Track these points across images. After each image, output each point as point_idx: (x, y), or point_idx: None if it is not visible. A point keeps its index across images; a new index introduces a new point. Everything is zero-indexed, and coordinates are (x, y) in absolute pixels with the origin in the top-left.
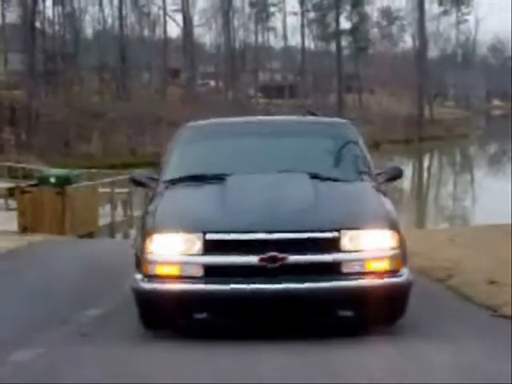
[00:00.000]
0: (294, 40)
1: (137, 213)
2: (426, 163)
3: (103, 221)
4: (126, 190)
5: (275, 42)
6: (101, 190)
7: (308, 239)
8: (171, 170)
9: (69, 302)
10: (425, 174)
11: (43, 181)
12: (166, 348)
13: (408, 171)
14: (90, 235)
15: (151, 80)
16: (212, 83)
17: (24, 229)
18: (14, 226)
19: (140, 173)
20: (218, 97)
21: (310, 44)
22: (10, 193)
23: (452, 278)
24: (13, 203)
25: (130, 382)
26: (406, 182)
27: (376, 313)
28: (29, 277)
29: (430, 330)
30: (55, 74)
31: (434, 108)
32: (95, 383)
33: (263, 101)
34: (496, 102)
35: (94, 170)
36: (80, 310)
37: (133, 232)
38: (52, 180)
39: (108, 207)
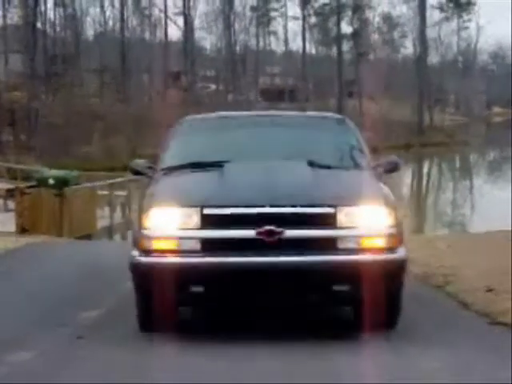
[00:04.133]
0: (295, 44)
1: (135, 215)
2: (425, 169)
3: (101, 223)
4: (124, 192)
5: (276, 47)
6: (99, 192)
7: (305, 214)
8: (169, 159)
9: (64, 304)
10: (424, 180)
11: (42, 182)
12: (164, 348)
13: (407, 177)
14: (88, 237)
15: (152, 83)
16: (212, 87)
17: (22, 230)
18: (12, 227)
19: (138, 162)
20: (218, 100)
21: (310, 49)
22: (9, 194)
23: (449, 284)
24: (12, 204)
25: (128, 383)
26: (405, 188)
27: (371, 288)
28: (25, 278)
29: (427, 336)
30: (56, 75)
31: (434, 114)
32: (92, 383)
33: (263, 105)
34: (496, 109)
35: (93, 172)
36: (75, 311)
37: (131, 234)
38: (51, 181)
39: (106, 209)
